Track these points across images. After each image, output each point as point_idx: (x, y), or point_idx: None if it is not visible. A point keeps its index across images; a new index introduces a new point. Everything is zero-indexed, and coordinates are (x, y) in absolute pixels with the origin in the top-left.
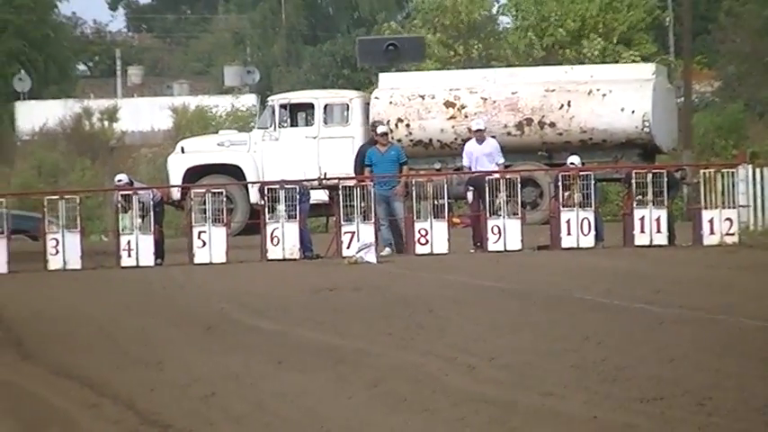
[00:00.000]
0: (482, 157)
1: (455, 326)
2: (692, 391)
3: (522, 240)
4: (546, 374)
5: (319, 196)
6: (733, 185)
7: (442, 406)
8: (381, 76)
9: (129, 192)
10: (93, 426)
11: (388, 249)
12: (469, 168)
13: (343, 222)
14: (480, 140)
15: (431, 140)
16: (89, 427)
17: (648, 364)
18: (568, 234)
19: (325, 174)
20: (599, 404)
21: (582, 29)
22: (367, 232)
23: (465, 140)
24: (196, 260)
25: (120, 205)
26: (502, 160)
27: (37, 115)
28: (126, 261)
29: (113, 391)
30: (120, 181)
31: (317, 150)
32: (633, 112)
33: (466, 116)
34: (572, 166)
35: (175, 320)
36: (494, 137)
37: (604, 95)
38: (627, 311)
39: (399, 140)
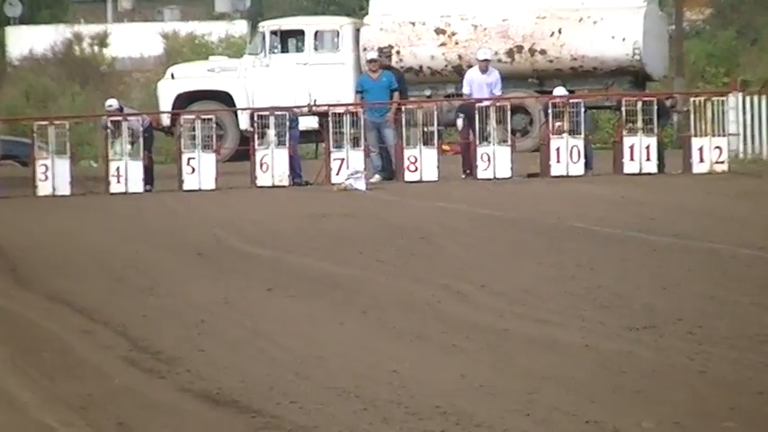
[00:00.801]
0: (483, 85)
1: (447, 253)
2: (684, 319)
3: (511, 168)
4: (539, 302)
5: (309, 123)
6: (723, 113)
7: (434, 333)
8: (372, 2)
9: (119, 117)
10: (86, 351)
11: (377, 176)
12: (470, 96)
13: (332, 149)
14: (484, 70)
15: (421, 67)
16: (82, 353)
17: (642, 292)
18: (558, 162)
19: (315, 100)
20: (592, 331)
21: None
22: (357, 159)
23: (455, 67)
24: (185, 186)
25: (109, 131)
26: (500, 93)
27: (28, 41)
28: (115, 187)
29: (106, 317)
30: (110, 106)
31: (307, 77)
32: (624, 39)
33: (456, 43)
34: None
35: (167, 246)
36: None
37: (595, 23)
38: (620, 239)
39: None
